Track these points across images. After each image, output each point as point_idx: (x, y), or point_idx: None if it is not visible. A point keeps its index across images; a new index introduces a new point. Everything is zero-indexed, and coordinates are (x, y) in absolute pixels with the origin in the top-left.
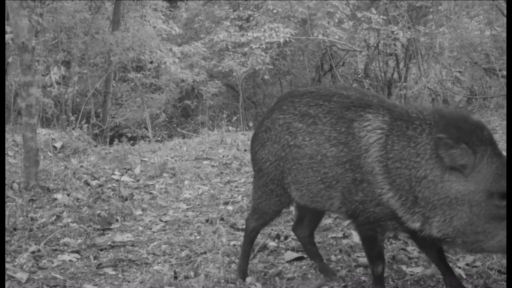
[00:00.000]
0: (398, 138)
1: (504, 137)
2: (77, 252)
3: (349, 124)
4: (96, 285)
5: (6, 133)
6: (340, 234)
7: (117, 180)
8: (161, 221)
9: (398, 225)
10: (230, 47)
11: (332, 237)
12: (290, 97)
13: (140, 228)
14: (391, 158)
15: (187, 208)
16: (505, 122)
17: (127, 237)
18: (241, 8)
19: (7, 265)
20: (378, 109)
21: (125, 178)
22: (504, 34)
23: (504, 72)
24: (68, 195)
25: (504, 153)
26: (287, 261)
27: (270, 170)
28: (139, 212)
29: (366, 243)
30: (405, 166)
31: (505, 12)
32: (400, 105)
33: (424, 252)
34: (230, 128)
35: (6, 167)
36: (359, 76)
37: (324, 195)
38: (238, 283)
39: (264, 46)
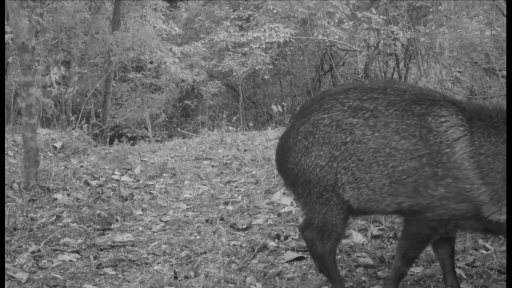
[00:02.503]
0: (484, 135)
1: None
2: (77, 252)
3: (421, 117)
4: (96, 285)
5: (6, 133)
6: None
7: (117, 180)
8: (161, 221)
9: (472, 222)
10: (230, 47)
11: None
12: (329, 96)
13: (140, 228)
14: (483, 154)
15: (187, 208)
16: None
17: (127, 237)
18: (241, 8)
19: (7, 265)
20: (447, 105)
21: (125, 178)
22: (504, 34)
23: (504, 72)
24: (68, 195)
25: None
26: (287, 261)
27: (321, 176)
28: (139, 212)
29: (414, 241)
30: (498, 160)
31: (505, 12)
32: (465, 101)
33: (436, 247)
34: (230, 128)
35: (6, 167)
36: (359, 76)
37: (386, 191)
38: (238, 283)
39: (264, 46)
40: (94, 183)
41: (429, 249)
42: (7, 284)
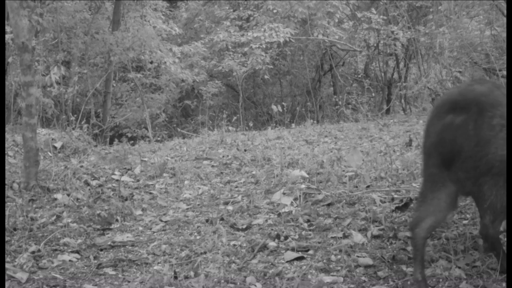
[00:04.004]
0: None
1: None
2: (77, 252)
3: None
4: (96, 285)
5: (6, 133)
6: (340, 234)
7: (117, 180)
8: (161, 221)
9: None
10: (230, 47)
11: (332, 237)
12: (496, 90)
13: (140, 228)
14: None
15: (187, 208)
16: None
17: (127, 237)
18: (241, 8)
19: (7, 265)
20: None
21: (125, 178)
22: (504, 34)
23: (504, 72)
24: (68, 195)
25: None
26: (287, 261)
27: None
28: (139, 212)
29: None
30: None
31: (505, 12)
32: None
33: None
34: (230, 128)
35: (6, 167)
36: (359, 76)
37: None
38: (238, 283)
39: (264, 46)
40: (94, 183)
41: (428, 249)
42: (7, 284)
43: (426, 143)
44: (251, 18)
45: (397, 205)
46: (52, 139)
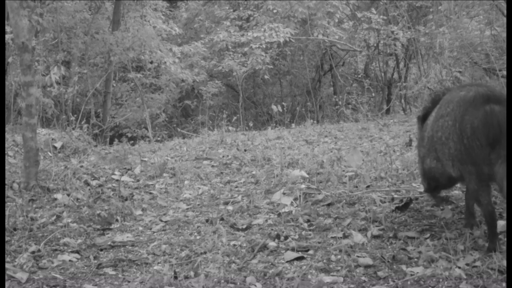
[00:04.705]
0: None
1: None
2: (77, 252)
3: None
4: (96, 285)
5: (6, 133)
6: (340, 234)
7: (117, 180)
8: (161, 221)
9: None
10: (230, 47)
11: (332, 237)
12: None
13: (140, 228)
14: None
15: (187, 208)
16: None
17: (127, 237)
18: (241, 8)
19: (7, 265)
20: None
21: (125, 178)
22: (504, 34)
23: (504, 72)
24: (68, 195)
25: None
26: (287, 261)
27: None
28: (139, 212)
29: None
30: None
31: (505, 12)
32: None
33: None
34: (230, 128)
35: (6, 167)
36: (359, 76)
37: None
38: (238, 283)
39: (264, 46)
40: (94, 183)
41: (428, 249)
42: (7, 284)
43: (465, 129)
44: (251, 18)
45: (397, 205)
46: (52, 139)
